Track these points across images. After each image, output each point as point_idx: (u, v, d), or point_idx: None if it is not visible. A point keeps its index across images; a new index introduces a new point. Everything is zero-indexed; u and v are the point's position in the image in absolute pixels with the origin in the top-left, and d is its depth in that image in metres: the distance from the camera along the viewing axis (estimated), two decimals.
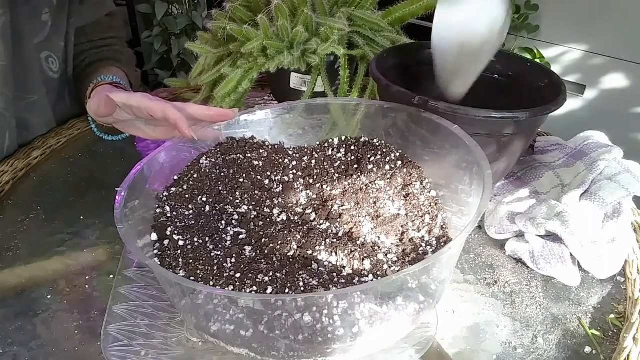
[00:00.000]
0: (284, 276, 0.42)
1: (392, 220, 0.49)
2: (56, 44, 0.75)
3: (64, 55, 0.78)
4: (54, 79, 0.77)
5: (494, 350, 0.46)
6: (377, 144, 0.57)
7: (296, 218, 0.50)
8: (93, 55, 0.83)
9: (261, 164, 0.55)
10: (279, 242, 0.46)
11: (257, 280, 0.42)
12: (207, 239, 0.47)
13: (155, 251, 0.45)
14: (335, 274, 0.43)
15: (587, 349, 0.47)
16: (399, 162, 0.55)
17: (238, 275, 0.44)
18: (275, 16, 0.74)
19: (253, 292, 0.40)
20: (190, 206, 0.50)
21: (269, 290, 0.40)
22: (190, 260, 0.44)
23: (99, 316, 0.48)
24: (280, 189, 0.54)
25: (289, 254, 0.45)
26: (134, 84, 0.82)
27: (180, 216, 0.49)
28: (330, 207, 0.53)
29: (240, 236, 0.48)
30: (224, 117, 0.54)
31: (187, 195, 0.51)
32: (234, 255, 0.45)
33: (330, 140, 0.58)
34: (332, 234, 0.48)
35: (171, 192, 0.52)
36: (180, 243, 0.46)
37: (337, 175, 0.55)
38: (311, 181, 0.55)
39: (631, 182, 0.59)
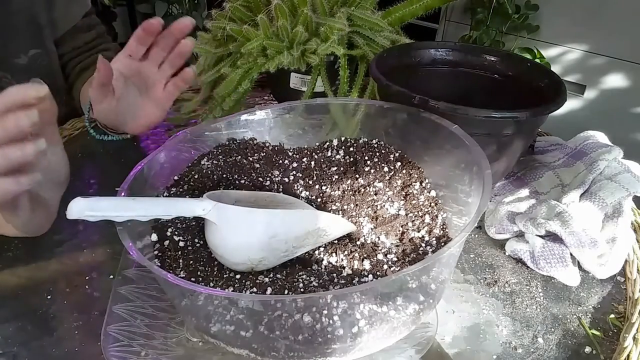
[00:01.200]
0: (283, 277, 0.42)
1: (392, 221, 0.49)
2: (10, 63, 0.71)
3: (31, 72, 0.73)
4: None
5: (494, 350, 0.46)
6: (376, 144, 0.57)
7: None
8: (83, 61, 0.82)
9: (261, 166, 0.55)
10: None
11: (257, 281, 0.42)
12: None
13: (156, 252, 0.46)
14: (335, 275, 0.43)
15: (587, 349, 0.47)
16: (399, 163, 0.55)
17: (238, 276, 0.44)
18: (275, 16, 0.74)
19: (253, 293, 0.40)
20: None
21: (269, 291, 0.40)
22: (191, 261, 0.44)
23: (99, 316, 0.48)
24: (281, 190, 0.54)
25: None
26: None
27: (181, 217, 0.49)
28: (329, 208, 0.53)
29: None
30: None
31: (187, 196, 0.51)
32: None
33: (330, 141, 0.58)
34: None
35: (171, 192, 0.52)
36: (181, 244, 0.46)
37: (336, 176, 0.55)
38: (311, 182, 0.55)
39: (631, 182, 0.59)
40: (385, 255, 0.45)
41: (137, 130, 0.64)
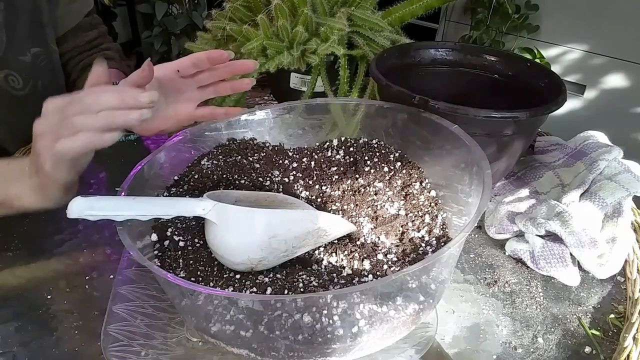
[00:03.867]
0: (283, 277, 0.42)
1: (392, 221, 0.49)
2: (15, 61, 0.72)
3: (34, 70, 0.74)
4: (20, 96, 0.74)
5: (494, 350, 0.46)
6: (376, 144, 0.57)
7: None
8: (84, 60, 0.82)
9: (261, 166, 0.55)
10: None
11: (257, 281, 0.42)
12: None
13: (156, 252, 0.46)
14: (335, 275, 0.43)
15: (587, 349, 0.47)
16: (399, 163, 0.55)
17: (238, 276, 0.44)
18: (275, 16, 0.74)
19: (253, 293, 0.40)
20: None
21: (269, 290, 0.40)
22: (191, 261, 0.44)
23: (99, 316, 0.48)
24: (281, 190, 0.54)
25: None
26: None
27: (181, 217, 0.49)
28: (330, 208, 0.53)
29: None
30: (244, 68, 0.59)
31: (187, 196, 0.51)
32: None
33: (330, 141, 0.58)
34: None
35: (171, 192, 0.52)
36: (181, 244, 0.46)
37: (336, 176, 0.55)
38: (311, 182, 0.55)
39: (631, 181, 0.59)
40: (385, 255, 0.45)
41: (145, 133, 0.64)
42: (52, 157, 0.47)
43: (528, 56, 1.43)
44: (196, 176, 0.53)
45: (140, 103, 0.46)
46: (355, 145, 0.57)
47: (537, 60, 1.40)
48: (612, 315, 0.51)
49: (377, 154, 0.56)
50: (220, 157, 0.55)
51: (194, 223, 0.48)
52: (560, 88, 0.59)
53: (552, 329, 0.49)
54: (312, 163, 0.56)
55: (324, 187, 0.54)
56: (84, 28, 0.82)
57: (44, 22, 0.73)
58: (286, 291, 0.40)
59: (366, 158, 0.55)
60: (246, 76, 0.66)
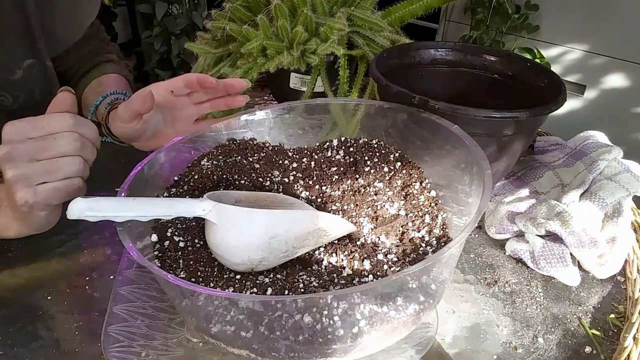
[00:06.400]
0: (284, 277, 0.42)
1: (392, 221, 0.49)
2: (5, 81, 0.70)
3: (28, 83, 0.72)
4: (11, 111, 0.72)
5: (494, 350, 0.46)
6: (376, 144, 0.57)
7: None
8: (84, 66, 0.81)
9: (261, 166, 0.55)
10: None
11: (257, 281, 0.42)
12: None
13: (156, 252, 0.46)
14: (335, 275, 0.43)
15: (588, 349, 0.47)
16: (398, 163, 0.55)
17: (238, 276, 0.44)
18: (274, 16, 0.74)
19: (253, 294, 0.40)
20: None
21: (269, 291, 0.40)
22: (191, 262, 0.44)
23: (99, 317, 0.48)
24: (281, 190, 0.54)
25: None
26: (129, 77, 0.81)
27: (181, 217, 0.49)
28: (330, 209, 0.53)
29: None
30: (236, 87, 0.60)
31: (187, 196, 0.51)
32: None
33: (330, 141, 0.58)
34: None
35: (171, 192, 0.52)
36: (181, 244, 0.46)
37: (336, 176, 0.55)
38: (311, 182, 0.55)
39: (631, 181, 0.59)
40: (386, 255, 0.45)
41: (146, 148, 0.65)
42: (34, 207, 0.46)
43: (528, 56, 1.43)
44: (196, 176, 0.53)
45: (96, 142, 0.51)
46: (355, 145, 0.57)
47: (537, 60, 1.40)
48: (612, 315, 0.51)
49: (377, 154, 0.56)
50: (220, 157, 0.55)
51: (194, 224, 0.48)
52: (560, 88, 0.59)
53: (553, 329, 0.49)
54: (312, 163, 0.56)
55: (324, 187, 0.54)
56: (86, 39, 0.81)
57: (35, 35, 0.72)
58: (286, 292, 0.40)
59: (366, 158, 0.55)
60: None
